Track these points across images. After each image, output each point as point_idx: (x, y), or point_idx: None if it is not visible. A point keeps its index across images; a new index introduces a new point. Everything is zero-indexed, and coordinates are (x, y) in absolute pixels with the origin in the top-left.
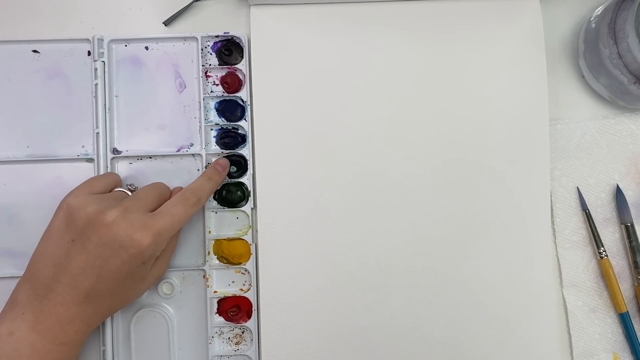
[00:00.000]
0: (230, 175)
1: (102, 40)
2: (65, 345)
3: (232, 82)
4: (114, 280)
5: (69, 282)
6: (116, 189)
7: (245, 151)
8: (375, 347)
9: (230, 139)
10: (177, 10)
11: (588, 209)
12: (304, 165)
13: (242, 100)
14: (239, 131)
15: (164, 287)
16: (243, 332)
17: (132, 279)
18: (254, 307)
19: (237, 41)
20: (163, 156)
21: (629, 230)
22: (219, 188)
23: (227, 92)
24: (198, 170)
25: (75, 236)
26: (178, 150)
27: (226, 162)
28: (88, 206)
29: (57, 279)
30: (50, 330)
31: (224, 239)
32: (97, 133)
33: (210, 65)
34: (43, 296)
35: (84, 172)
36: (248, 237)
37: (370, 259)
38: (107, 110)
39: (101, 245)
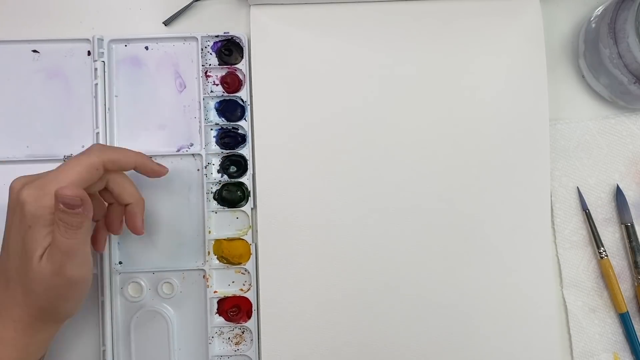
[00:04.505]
0: (230, 175)
1: (102, 40)
2: (1, 344)
3: (232, 82)
4: (12, 255)
5: None
6: None
7: (245, 151)
8: (376, 346)
9: (230, 139)
10: (177, 10)
11: (588, 209)
12: (304, 165)
13: (242, 100)
14: (239, 131)
15: (164, 287)
16: (243, 332)
17: (26, 254)
18: (254, 307)
19: (237, 41)
20: (163, 156)
21: (629, 230)
22: (140, 172)
23: (227, 92)
24: (198, 170)
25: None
26: (178, 150)
27: (166, 170)
28: (17, 182)
29: None
30: None
31: (224, 239)
32: (97, 133)
33: (210, 65)
34: None
35: None
36: (248, 237)
37: (371, 258)
38: (107, 110)
39: (8, 212)
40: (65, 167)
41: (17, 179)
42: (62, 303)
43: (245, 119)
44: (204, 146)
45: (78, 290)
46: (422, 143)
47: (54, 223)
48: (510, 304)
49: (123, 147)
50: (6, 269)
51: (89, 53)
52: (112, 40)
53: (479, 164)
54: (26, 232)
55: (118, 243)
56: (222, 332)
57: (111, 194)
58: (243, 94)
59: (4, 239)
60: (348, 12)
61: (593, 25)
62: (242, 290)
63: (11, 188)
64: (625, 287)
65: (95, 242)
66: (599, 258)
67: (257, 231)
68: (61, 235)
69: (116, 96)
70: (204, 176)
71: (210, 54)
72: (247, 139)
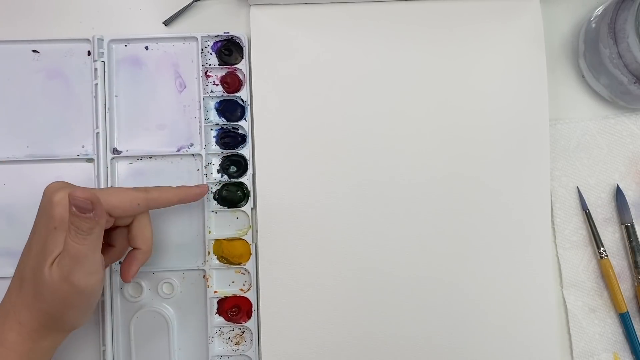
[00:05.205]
0: (230, 175)
1: (102, 40)
2: (2, 347)
3: (232, 82)
4: (33, 254)
5: (17, 266)
6: None
7: (245, 151)
8: (376, 347)
9: (230, 139)
10: (177, 10)
11: (588, 209)
12: (304, 165)
13: (242, 100)
14: (239, 131)
15: (164, 287)
16: (243, 332)
17: (44, 254)
18: (254, 307)
19: (237, 41)
20: (163, 156)
21: (629, 230)
22: (182, 203)
23: (227, 92)
24: (198, 170)
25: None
26: (178, 150)
27: (207, 188)
28: (54, 185)
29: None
30: None
31: (224, 239)
32: (97, 133)
33: (210, 65)
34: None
35: (84, 172)
36: (248, 237)
37: (371, 258)
38: (107, 110)
39: (38, 212)
40: (109, 189)
41: (55, 182)
42: (68, 311)
43: (245, 119)
44: (204, 146)
45: (84, 299)
46: (422, 143)
47: None
48: (510, 304)
49: (162, 185)
50: (24, 268)
51: (89, 53)
52: (112, 40)
53: (479, 163)
54: (50, 233)
55: None
56: (222, 332)
57: (128, 233)
58: (243, 94)
59: (29, 239)
60: (348, 13)
61: (593, 25)
62: (242, 290)
63: (46, 189)
64: (625, 287)
65: (123, 271)
66: (599, 258)
67: (257, 231)
68: (71, 240)
69: (116, 96)
70: (204, 176)
71: (210, 54)
72: (247, 139)
